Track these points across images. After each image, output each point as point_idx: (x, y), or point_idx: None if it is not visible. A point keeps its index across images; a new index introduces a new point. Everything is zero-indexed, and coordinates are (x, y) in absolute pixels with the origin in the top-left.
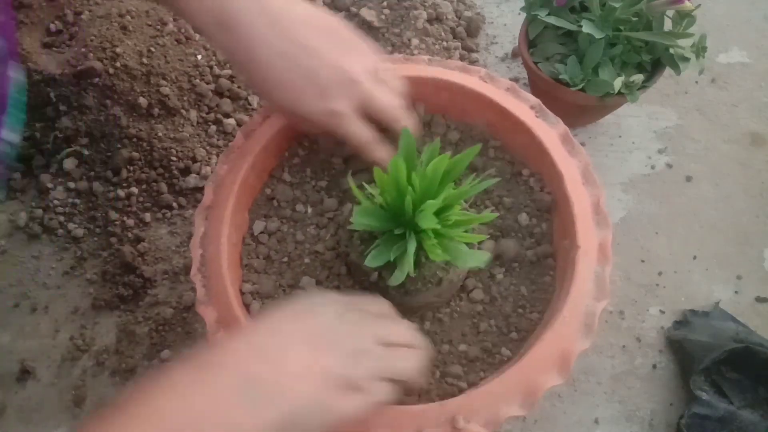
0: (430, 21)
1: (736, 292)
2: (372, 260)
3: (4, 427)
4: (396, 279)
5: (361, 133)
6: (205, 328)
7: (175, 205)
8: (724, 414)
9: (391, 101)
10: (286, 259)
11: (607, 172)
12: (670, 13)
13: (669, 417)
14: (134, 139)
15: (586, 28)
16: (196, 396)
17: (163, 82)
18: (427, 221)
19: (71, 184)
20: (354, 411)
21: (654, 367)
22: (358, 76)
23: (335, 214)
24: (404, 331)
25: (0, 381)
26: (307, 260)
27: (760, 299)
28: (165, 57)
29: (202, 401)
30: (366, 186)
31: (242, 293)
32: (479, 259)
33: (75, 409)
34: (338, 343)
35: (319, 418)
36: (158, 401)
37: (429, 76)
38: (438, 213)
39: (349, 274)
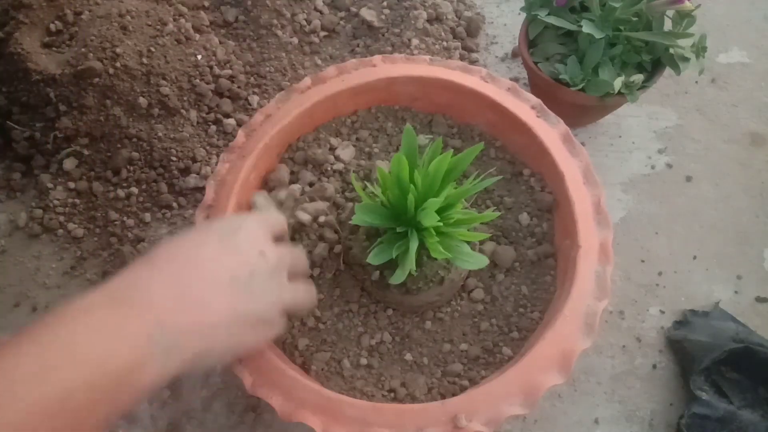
0: (430, 21)
1: (736, 292)
2: (374, 257)
3: None
4: (397, 277)
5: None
6: None
7: (175, 205)
8: (724, 414)
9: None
10: None
11: (607, 172)
12: (670, 13)
13: (669, 417)
14: (134, 139)
15: (586, 28)
16: (102, 349)
17: (163, 82)
18: (429, 219)
19: (71, 184)
20: (256, 343)
21: (654, 367)
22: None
23: (338, 213)
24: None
25: None
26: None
27: (760, 299)
28: (165, 57)
29: (108, 357)
30: (368, 184)
31: None
32: (478, 262)
33: None
34: (254, 282)
35: (227, 352)
36: (64, 333)
37: (430, 76)
38: (440, 211)
39: (350, 273)
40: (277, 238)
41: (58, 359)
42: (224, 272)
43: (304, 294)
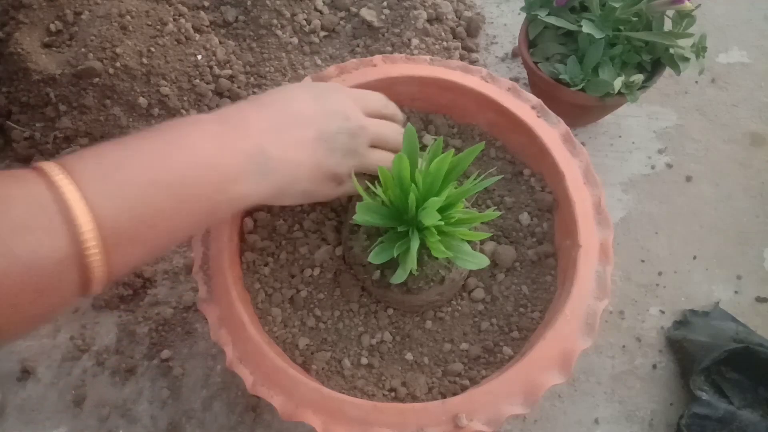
0: (430, 21)
1: (736, 292)
2: (376, 256)
3: (4, 427)
4: (398, 277)
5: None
6: (206, 327)
7: None
8: (724, 414)
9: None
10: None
11: (607, 172)
12: (670, 13)
13: (669, 417)
14: None
15: (586, 28)
16: (212, 152)
17: (163, 82)
18: (431, 218)
19: None
20: (326, 196)
21: (654, 367)
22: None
23: (338, 213)
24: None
25: (0, 381)
26: (308, 255)
27: (760, 299)
28: (165, 57)
29: (215, 158)
30: (369, 184)
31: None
32: (479, 261)
33: (75, 409)
34: (336, 141)
35: (303, 196)
36: (179, 135)
37: (431, 76)
38: (441, 211)
39: (351, 273)
40: (371, 114)
41: (176, 149)
42: (314, 126)
43: (381, 162)
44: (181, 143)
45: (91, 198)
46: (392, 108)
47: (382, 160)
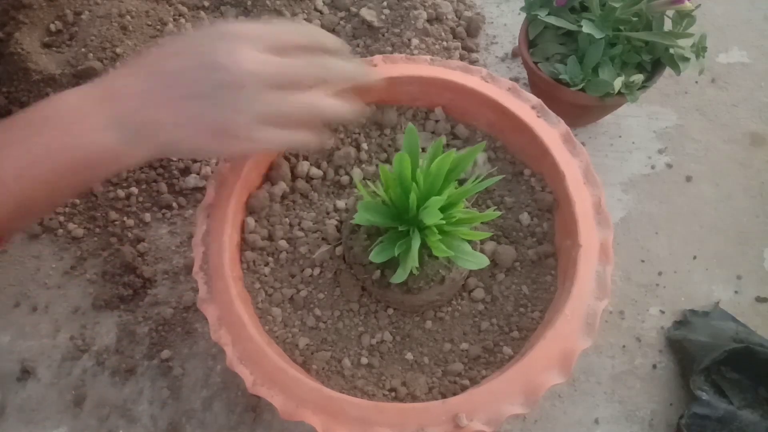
0: (430, 21)
1: (736, 292)
2: (376, 256)
3: (4, 427)
4: (399, 276)
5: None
6: (206, 327)
7: (175, 205)
8: (724, 414)
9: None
10: (285, 256)
11: (607, 172)
12: (670, 13)
13: (669, 417)
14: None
15: (586, 28)
16: (79, 131)
17: None
18: (432, 217)
19: None
20: (222, 153)
21: (654, 367)
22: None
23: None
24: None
25: (0, 381)
26: (308, 255)
27: (760, 299)
28: None
29: (83, 138)
30: (369, 183)
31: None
32: (479, 261)
33: (75, 409)
34: (216, 96)
35: (193, 153)
36: (50, 123)
37: (431, 76)
38: (441, 210)
39: (351, 273)
40: (284, 48)
41: (41, 138)
42: (185, 84)
43: (301, 106)
44: (45, 129)
45: None
46: (317, 36)
47: (301, 103)
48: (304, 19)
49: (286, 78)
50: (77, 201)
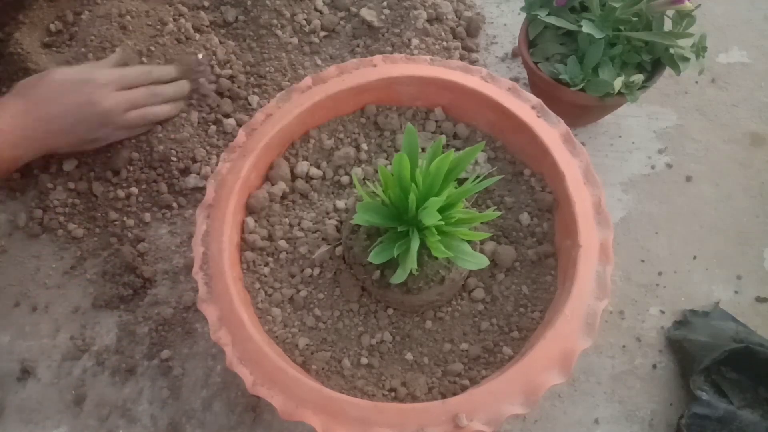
0: (430, 21)
1: (736, 292)
2: (376, 256)
3: (4, 427)
4: (398, 277)
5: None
6: (206, 327)
7: (175, 205)
8: (724, 414)
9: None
10: (285, 256)
11: (607, 172)
12: (670, 13)
13: (669, 417)
14: (134, 140)
15: (586, 28)
16: None
17: None
18: (431, 218)
19: (71, 185)
20: (102, 141)
21: (654, 367)
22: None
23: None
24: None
25: (0, 381)
26: (308, 255)
27: (760, 299)
28: (165, 57)
29: None
30: (369, 183)
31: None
32: (479, 261)
33: (75, 409)
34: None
35: (76, 149)
36: None
37: (431, 76)
38: (441, 210)
39: (351, 273)
40: (132, 86)
41: None
42: (63, 118)
43: (140, 115)
44: None
45: None
46: (151, 73)
47: (135, 120)
48: (305, 20)
49: (131, 107)
50: (77, 201)
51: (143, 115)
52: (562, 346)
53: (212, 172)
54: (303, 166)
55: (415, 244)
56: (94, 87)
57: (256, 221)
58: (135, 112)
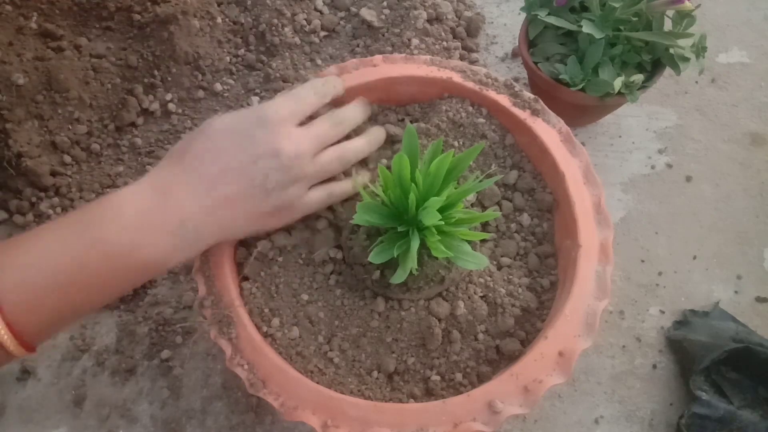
0: (430, 21)
1: (736, 292)
2: (375, 256)
3: (4, 427)
4: (398, 277)
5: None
6: (205, 327)
7: None
8: (724, 414)
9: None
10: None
11: (607, 172)
12: (670, 13)
13: (669, 417)
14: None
15: (586, 28)
16: (129, 238)
17: None
18: (431, 218)
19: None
20: (284, 224)
21: (654, 367)
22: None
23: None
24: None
25: (0, 381)
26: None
27: (760, 299)
28: None
29: (132, 246)
30: (369, 183)
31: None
32: (479, 262)
33: (75, 409)
34: (270, 182)
35: (249, 234)
36: (101, 222)
37: (431, 76)
38: (441, 210)
39: (351, 273)
40: (312, 115)
41: (87, 241)
42: (242, 179)
43: (331, 167)
44: (100, 237)
45: None
46: (325, 91)
47: (332, 158)
48: (305, 20)
49: (320, 147)
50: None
51: (340, 155)
52: (562, 346)
53: None
54: None
55: (415, 244)
56: (271, 130)
57: None
58: (325, 157)
